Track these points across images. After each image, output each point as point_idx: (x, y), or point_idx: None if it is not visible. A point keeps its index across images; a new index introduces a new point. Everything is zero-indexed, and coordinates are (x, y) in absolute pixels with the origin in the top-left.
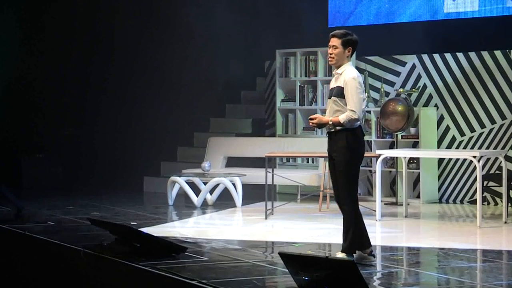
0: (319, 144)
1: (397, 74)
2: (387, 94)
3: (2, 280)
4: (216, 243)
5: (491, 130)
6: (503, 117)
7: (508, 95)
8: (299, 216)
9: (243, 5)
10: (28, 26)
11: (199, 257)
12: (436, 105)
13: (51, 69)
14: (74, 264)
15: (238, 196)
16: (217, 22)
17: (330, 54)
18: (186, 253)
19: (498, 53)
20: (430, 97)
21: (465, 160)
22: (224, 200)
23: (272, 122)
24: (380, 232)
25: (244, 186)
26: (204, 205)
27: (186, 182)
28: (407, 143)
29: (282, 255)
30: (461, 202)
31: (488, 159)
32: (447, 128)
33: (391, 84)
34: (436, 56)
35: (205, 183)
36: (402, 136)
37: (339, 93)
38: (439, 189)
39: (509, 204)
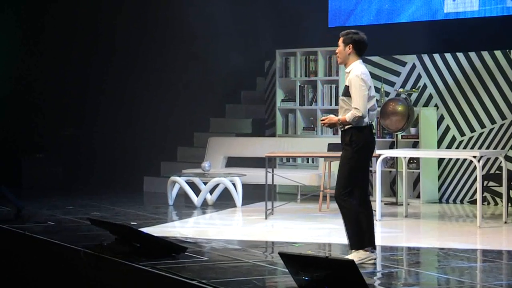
0: (319, 144)
1: (397, 74)
2: (387, 94)
3: (2, 280)
4: (216, 243)
5: (491, 130)
6: (503, 117)
7: (508, 95)
8: (299, 216)
9: (243, 5)
10: (28, 26)
11: (199, 257)
12: (436, 105)
13: (51, 69)
14: (74, 264)
15: (238, 196)
16: (217, 22)
17: (336, 53)
18: (186, 253)
19: (498, 53)
20: (430, 97)
21: (465, 160)
22: (224, 200)
23: (272, 122)
24: (380, 232)
25: (244, 186)
26: (204, 205)
27: (186, 182)
28: (407, 143)
29: (282, 255)
30: (461, 202)
31: (488, 159)
32: (447, 128)
33: (391, 84)
34: (436, 56)
35: (205, 183)
36: (402, 136)
37: (346, 92)
38: (439, 189)
39: (509, 204)
